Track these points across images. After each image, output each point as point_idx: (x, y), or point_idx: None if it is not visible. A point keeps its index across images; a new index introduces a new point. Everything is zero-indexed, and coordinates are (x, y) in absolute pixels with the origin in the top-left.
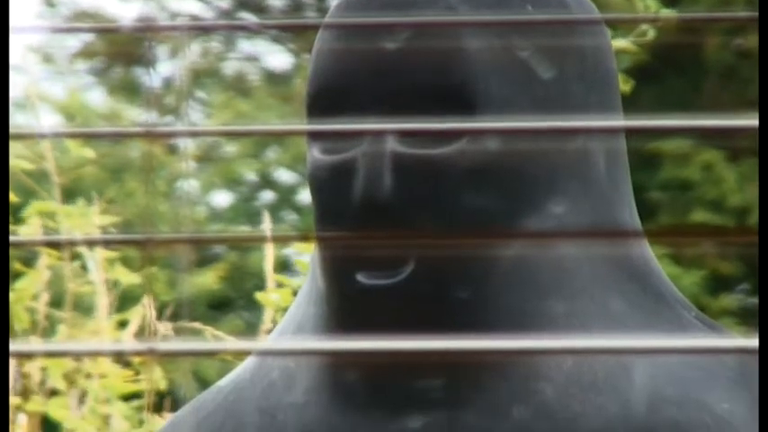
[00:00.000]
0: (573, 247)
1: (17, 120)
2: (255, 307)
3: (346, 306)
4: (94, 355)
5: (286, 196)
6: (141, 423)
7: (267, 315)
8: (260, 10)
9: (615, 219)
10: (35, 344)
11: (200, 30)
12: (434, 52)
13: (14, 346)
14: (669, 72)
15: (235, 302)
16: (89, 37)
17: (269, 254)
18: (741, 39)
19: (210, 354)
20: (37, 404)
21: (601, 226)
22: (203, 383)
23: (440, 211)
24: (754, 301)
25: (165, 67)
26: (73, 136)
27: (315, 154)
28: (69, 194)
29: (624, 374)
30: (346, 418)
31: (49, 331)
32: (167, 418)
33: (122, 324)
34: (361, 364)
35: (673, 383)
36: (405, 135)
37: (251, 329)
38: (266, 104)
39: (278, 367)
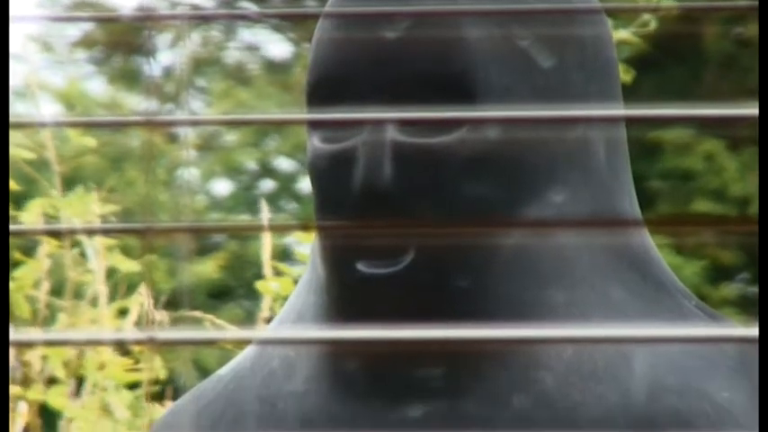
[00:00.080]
0: (573, 236)
1: (17, 109)
2: (255, 296)
3: (346, 295)
4: (95, 344)
5: (286, 185)
6: (141, 411)
7: (266, 304)
8: None
9: (615, 208)
10: (35, 333)
11: (200, 19)
12: (434, 41)
13: (14, 335)
14: (669, 61)
15: (235, 291)
16: (89, 26)
17: (267, 242)
18: (741, 28)
19: (210, 342)
20: (37, 393)
21: (601, 215)
22: (203, 372)
23: (440, 199)
24: (755, 290)
25: (166, 56)
26: (73, 125)
27: (315, 143)
28: (70, 183)
29: (624, 363)
30: (346, 406)
31: (49, 320)
32: (167, 406)
33: (122, 313)
34: (362, 353)
35: (673, 372)
36: (405, 124)
37: (251, 318)
38: (266, 93)
39: (278, 356)
